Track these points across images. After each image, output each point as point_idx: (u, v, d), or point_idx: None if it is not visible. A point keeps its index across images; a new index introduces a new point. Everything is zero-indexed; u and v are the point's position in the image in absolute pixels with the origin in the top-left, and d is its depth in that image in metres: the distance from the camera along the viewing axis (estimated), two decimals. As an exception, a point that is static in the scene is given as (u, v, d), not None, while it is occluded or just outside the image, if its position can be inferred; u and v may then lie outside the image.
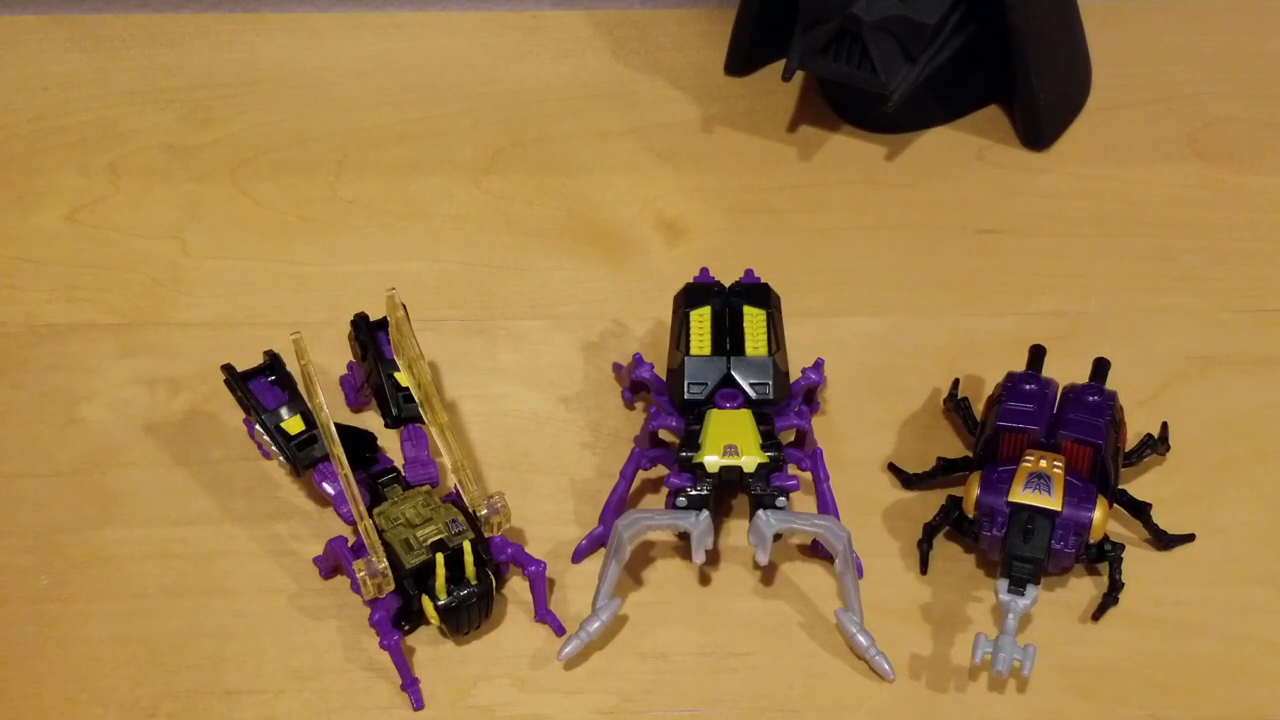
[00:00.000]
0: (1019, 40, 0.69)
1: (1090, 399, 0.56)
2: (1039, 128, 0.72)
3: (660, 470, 0.57)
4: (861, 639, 0.52)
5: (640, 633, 0.54)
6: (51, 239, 0.68)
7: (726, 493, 0.58)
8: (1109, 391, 0.57)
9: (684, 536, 0.54)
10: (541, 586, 0.54)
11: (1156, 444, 0.58)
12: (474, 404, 0.62)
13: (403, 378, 0.57)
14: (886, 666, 0.52)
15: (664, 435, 0.57)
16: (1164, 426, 0.59)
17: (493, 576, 0.52)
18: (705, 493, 0.53)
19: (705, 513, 0.53)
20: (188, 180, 0.71)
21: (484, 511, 0.53)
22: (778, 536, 0.53)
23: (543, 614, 0.54)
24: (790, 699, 0.52)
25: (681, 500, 0.53)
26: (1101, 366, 0.58)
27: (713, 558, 0.56)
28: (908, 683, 0.53)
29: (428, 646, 0.54)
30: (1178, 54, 0.77)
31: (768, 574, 0.56)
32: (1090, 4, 0.74)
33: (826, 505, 0.56)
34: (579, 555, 0.56)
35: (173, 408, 0.61)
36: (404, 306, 0.56)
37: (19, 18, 0.79)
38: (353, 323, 0.59)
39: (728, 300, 0.59)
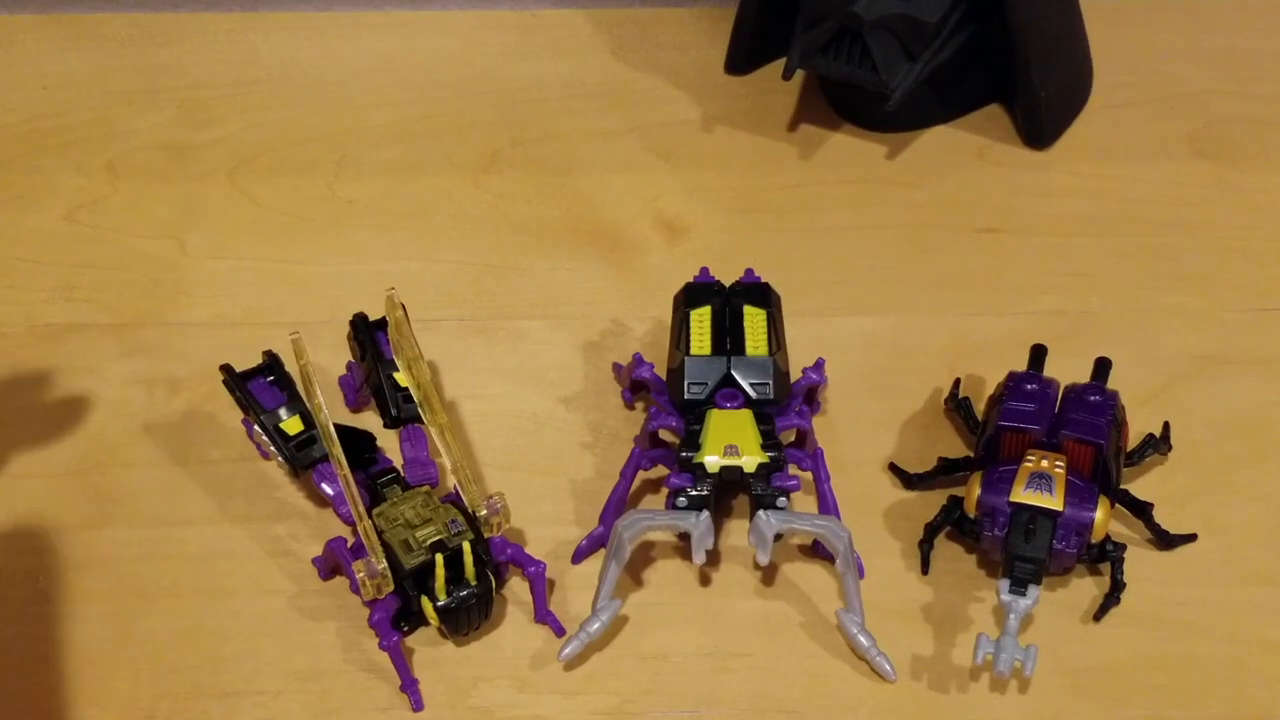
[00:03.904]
0: (1020, 39, 0.68)
1: (1092, 398, 0.55)
2: (1040, 126, 0.72)
3: (660, 470, 0.57)
4: (863, 639, 0.52)
5: (640, 633, 0.54)
6: (50, 239, 0.68)
7: (727, 493, 0.57)
8: (1110, 391, 0.56)
9: (684, 537, 0.54)
10: (541, 587, 0.53)
11: (1158, 444, 0.58)
12: (474, 404, 0.61)
13: (402, 378, 0.57)
14: (888, 667, 0.52)
15: (664, 435, 0.57)
16: (1165, 426, 0.59)
17: (492, 577, 0.52)
18: (705, 493, 0.53)
19: (705, 513, 0.53)
20: (186, 180, 0.71)
21: (483, 512, 0.53)
22: (778, 537, 0.53)
23: (543, 615, 0.54)
24: (791, 699, 0.52)
25: (682, 500, 0.53)
26: (1103, 366, 0.58)
27: (713, 558, 0.56)
28: (909, 683, 0.53)
29: (427, 647, 0.54)
30: (1179, 52, 0.77)
31: (768, 574, 0.56)
32: (1091, 2, 0.74)
33: (827, 505, 0.56)
34: (579, 556, 0.56)
35: (172, 408, 0.61)
36: (403, 306, 0.56)
37: (17, 17, 0.79)
38: (352, 323, 0.59)
39: (728, 300, 0.59)
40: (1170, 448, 0.59)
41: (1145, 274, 0.67)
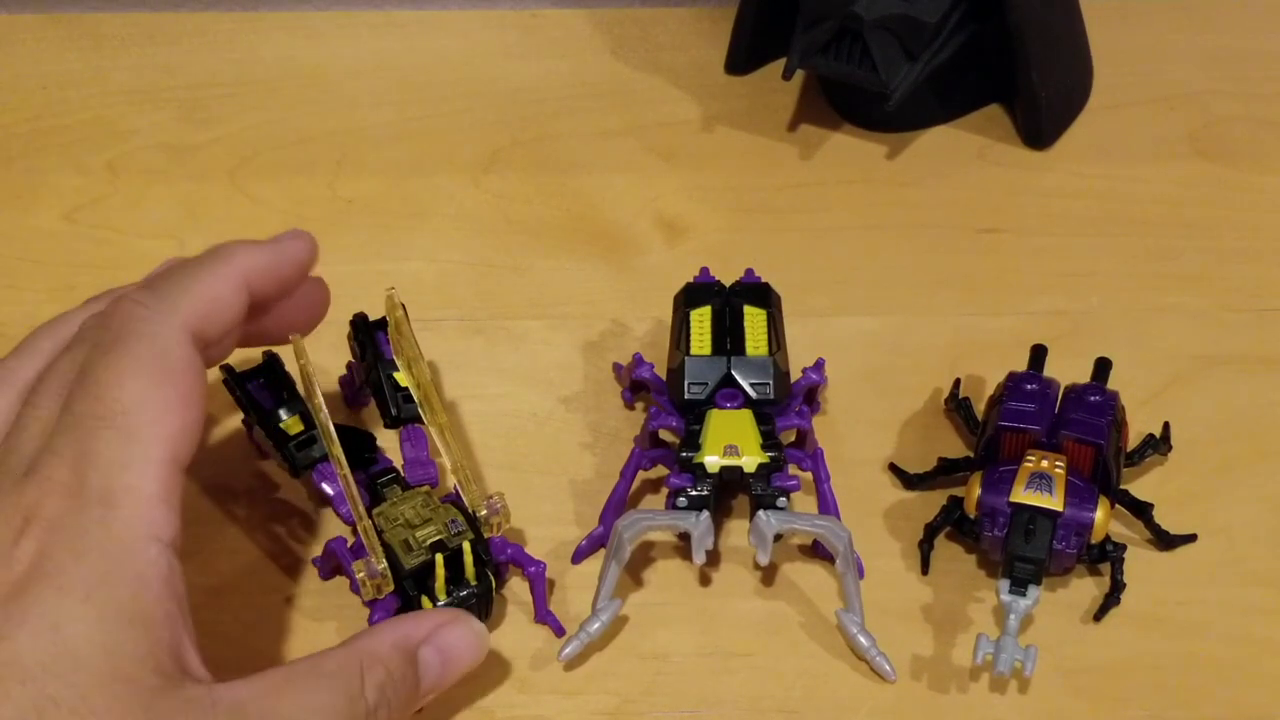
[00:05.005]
0: (1020, 39, 0.68)
1: (1092, 399, 0.55)
2: (1040, 127, 0.72)
3: (660, 470, 0.57)
4: (863, 640, 0.52)
5: (640, 634, 0.54)
6: (50, 239, 0.68)
7: (727, 493, 0.57)
8: (1111, 391, 0.56)
9: (684, 537, 0.54)
10: (541, 587, 0.53)
11: (1158, 444, 0.58)
12: (474, 404, 0.61)
13: (402, 378, 0.57)
14: (888, 667, 0.52)
15: (664, 435, 0.57)
16: (1166, 426, 0.59)
17: (492, 577, 0.52)
18: (705, 493, 0.53)
19: (705, 513, 0.53)
20: (186, 180, 0.71)
21: (483, 512, 0.53)
22: (778, 537, 0.53)
23: (543, 615, 0.54)
24: (791, 700, 0.52)
25: (682, 500, 0.53)
26: (1103, 366, 0.58)
27: (713, 558, 0.56)
28: (909, 683, 0.53)
29: (427, 647, 0.54)
30: (1180, 52, 0.77)
31: (768, 575, 0.56)
32: (1092, 2, 0.74)
33: (827, 505, 0.56)
34: (579, 556, 0.56)
35: (171, 408, 0.61)
36: (403, 306, 0.56)
37: (16, 17, 0.79)
38: (351, 322, 0.59)
39: (728, 300, 0.59)
40: (1170, 448, 0.59)
41: (1145, 274, 0.67)
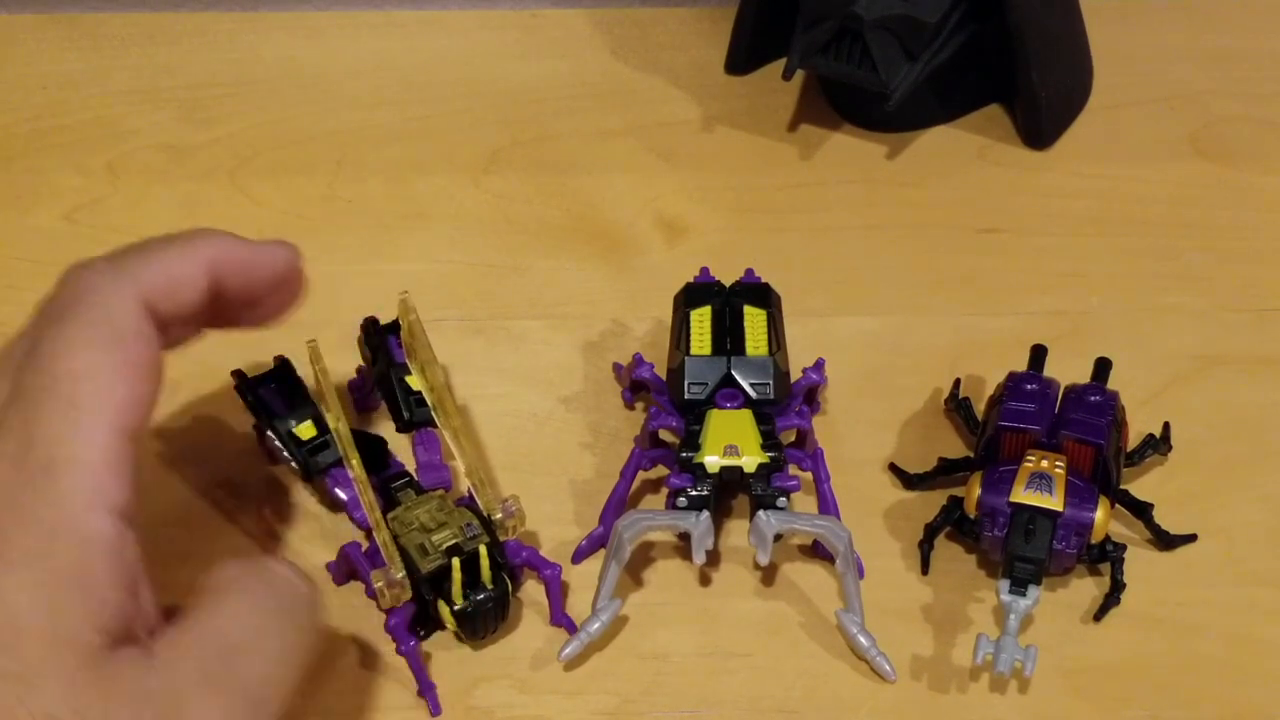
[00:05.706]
0: (1020, 39, 0.68)
1: (1092, 399, 0.55)
2: (1040, 127, 0.72)
3: (660, 470, 0.57)
4: (862, 639, 0.52)
5: (640, 633, 0.54)
6: (50, 239, 0.68)
7: (727, 493, 0.57)
8: (1111, 391, 0.56)
9: (684, 537, 0.54)
10: (557, 589, 0.53)
11: (1158, 444, 0.58)
12: (474, 404, 0.61)
13: (414, 381, 0.57)
14: (888, 667, 0.52)
15: (664, 435, 0.57)
16: (1166, 426, 0.59)
17: (509, 580, 0.52)
18: (705, 493, 0.53)
19: (706, 513, 0.53)
20: (186, 180, 0.71)
21: (499, 515, 0.53)
22: (778, 537, 0.53)
23: (559, 617, 0.54)
24: (791, 700, 0.52)
25: (682, 501, 0.53)
26: (1103, 366, 0.58)
27: (713, 558, 0.56)
28: (909, 683, 0.53)
29: (426, 647, 0.53)
30: (1180, 52, 0.77)
31: (768, 575, 0.56)
32: (1091, 2, 0.74)
33: (827, 505, 0.56)
34: (579, 556, 0.56)
35: (174, 409, 0.61)
36: (415, 310, 0.56)
37: (16, 17, 0.79)
38: (362, 326, 0.59)
39: (728, 300, 0.59)
40: (1170, 448, 0.59)
41: (1145, 274, 0.67)
